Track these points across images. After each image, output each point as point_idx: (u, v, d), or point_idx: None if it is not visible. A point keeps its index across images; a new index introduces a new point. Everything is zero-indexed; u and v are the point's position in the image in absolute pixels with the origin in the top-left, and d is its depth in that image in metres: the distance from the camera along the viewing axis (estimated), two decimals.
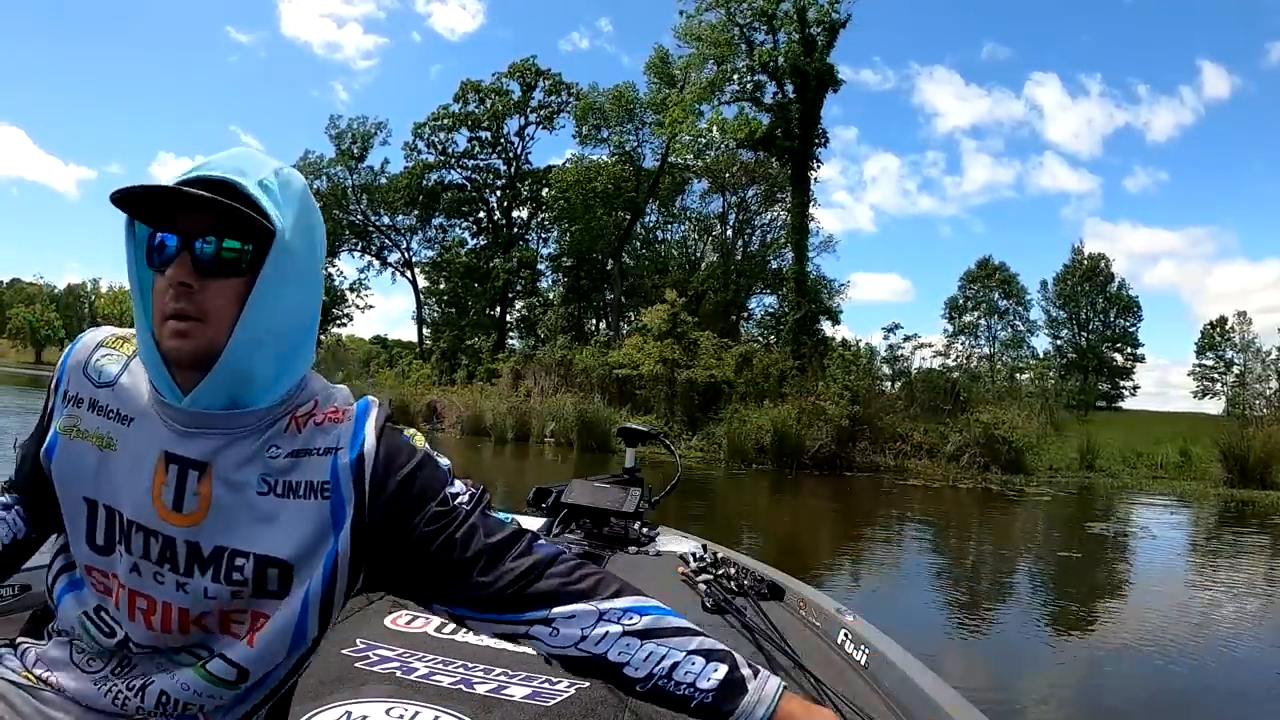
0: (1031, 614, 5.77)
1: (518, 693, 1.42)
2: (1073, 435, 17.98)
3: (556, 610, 0.77)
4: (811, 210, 22.45)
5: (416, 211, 33.39)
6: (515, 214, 33.69)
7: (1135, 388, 51.00)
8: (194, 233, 0.75)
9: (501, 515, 0.83)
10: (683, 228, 34.21)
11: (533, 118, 32.39)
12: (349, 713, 1.29)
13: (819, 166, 22.23)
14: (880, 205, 69.72)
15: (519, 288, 32.59)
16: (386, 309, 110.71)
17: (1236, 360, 48.24)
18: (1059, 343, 50.30)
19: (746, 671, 0.76)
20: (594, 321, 32.66)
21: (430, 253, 34.21)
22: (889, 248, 69.86)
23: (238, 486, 0.78)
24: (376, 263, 35.48)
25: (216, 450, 0.78)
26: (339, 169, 33.94)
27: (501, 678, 1.48)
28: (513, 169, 32.84)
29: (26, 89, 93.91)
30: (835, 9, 20.80)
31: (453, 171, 33.03)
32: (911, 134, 62.72)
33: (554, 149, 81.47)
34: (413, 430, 0.84)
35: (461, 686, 1.43)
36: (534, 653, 0.82)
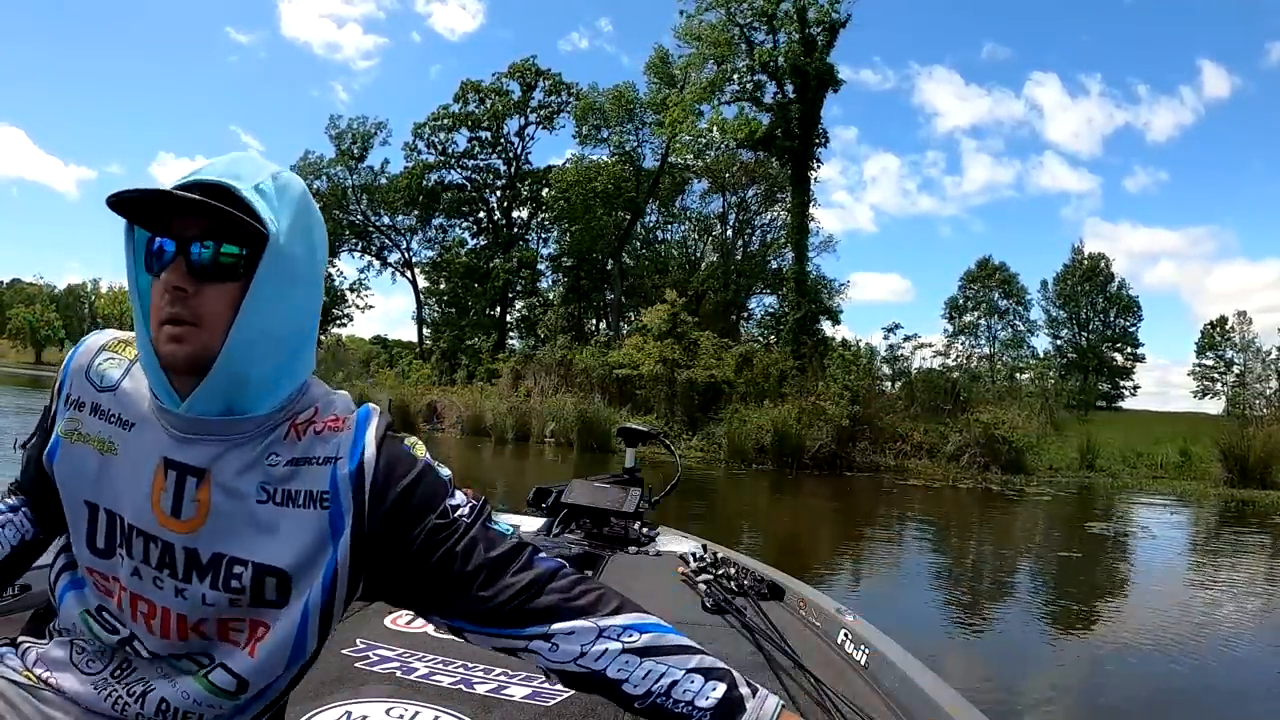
0: (1032, 614, 5.77)
1: (518, 693, 1.42)
2: (1073, 435, 17.98)
3: (556, 626, 0.77)
4: (811, 210, 22.49)
5: (416, 211, 33.36)
6: (515, 214, 33.70)
7: (1135, 388, 51.11)
8: (190, 237, 0.75)
9: (502, 526, 0.83)
10: (683, 228, 34.24)
11: (533, 118, 32.40)
12: (349, 713, 1.29)
13: (819, 166, 22.27)
14: (880, 205, 69.83)
15: (519, 288, 32.58)
16: (386, 309, 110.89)
17: (1236, 360, 48.30)
18: (1059, 343, 50.38)
19: (745, 690, 0.76)
20: (594, 321, 32.66)
21: (430, 253, 34.23)
22: (889, 248, 69.96)
23: (237, 494, 0.77)
24: (376, 263, 35.51)
25: (215, 457, 0.78)
26: (339, 169, 33.92)
27: (501, 678, 1.48)
28: (513, 169, 32.84)
29: (26, 89, 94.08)
30: (835, 9, 20.83)
31: (453, 171, 33.03)
32: (911, 134, 62.80)
33: (554, 149, 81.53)
34: (414, 439, 0.84)
35: (461, 686, 1.43)
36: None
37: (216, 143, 69.64)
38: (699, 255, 33.82)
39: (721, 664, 0.77)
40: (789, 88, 21.51)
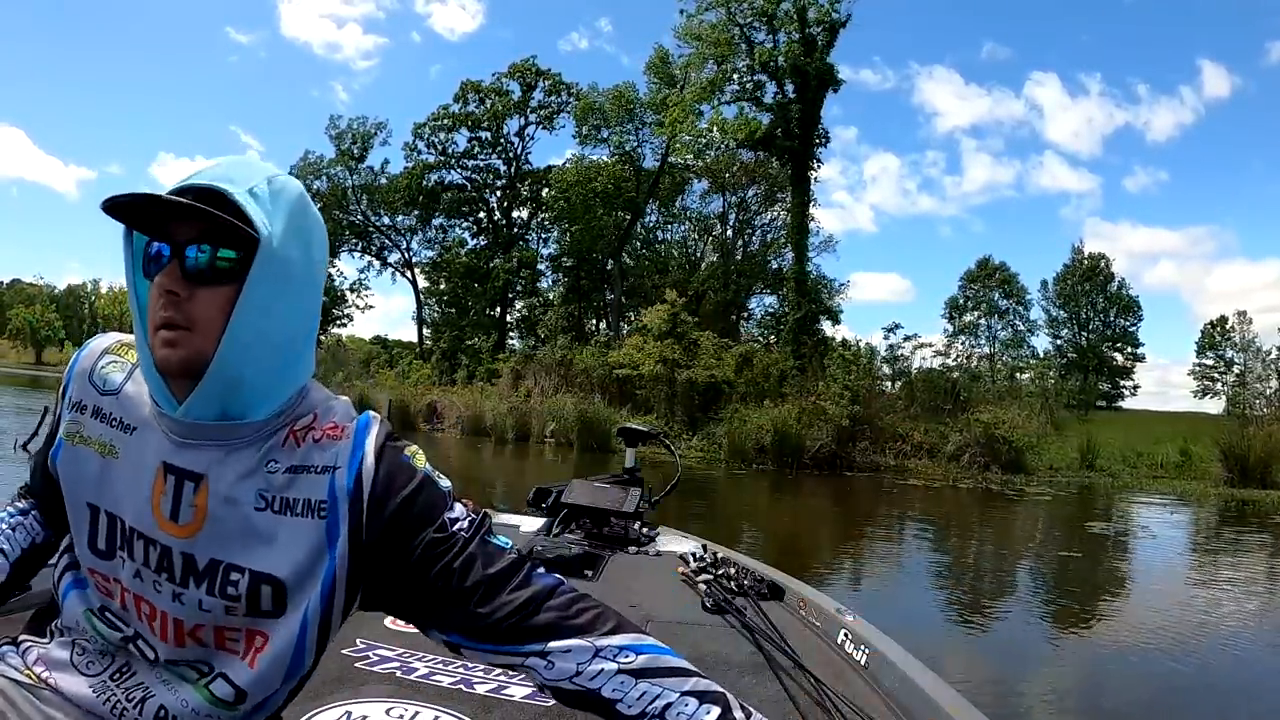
0: (1032, 613, 5.77)
1: (518, 693, 1.43)
2: (1073, 435, 17.98)
3: (553, 644, 0.76)
4: (811, 210, 22.47)
5: (416, 212, 33.34)
6: (515, 214, 33.68)
7: (1135, 387, 51.09)
8: (184, 241, 0.75)
9: (501, 541, 0.82)
10: (683, 228, 34.24)
11: (533, 118, 32.38)
12: (349, 713, 1.29)
13: (819, 166, 22.27)
14: (880, 205, 69.80)
15: (519, 288, 32.57)
16: (386, 309, 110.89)
17: (1236, 360, 48.27)
18: (1059, 342, 50.36)
19: (739, 715, 0.75)
20: (594, 321, 32.65)
21: (430, 253, 34.19)
22: (889, 248, 69.92)
23: (234, 501, 0.77)
24: (376, 263, 35.48)
25: (213, 462, 0.77)
26: (339, 169, 33.90)
27: (501, 678, 1.48)
28: (513, 169, 32.82)
29: (26, 89, 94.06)
30: (835, 9, 20.82)
31: (453, 171, 32.99)
32: (911, 134, 62.79)
33: (554, 149, 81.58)
34: (414, 448, 0.83)
35: (461, 686, 1.43)
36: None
37: (216, 143, 69.67)
38: (699, 255, 33.84)
39: (717, 687, 0.76)
40: (789, 88, 21.51)
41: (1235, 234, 69.55)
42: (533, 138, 32.83)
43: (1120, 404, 48.72)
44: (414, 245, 34.62)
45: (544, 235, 33.67)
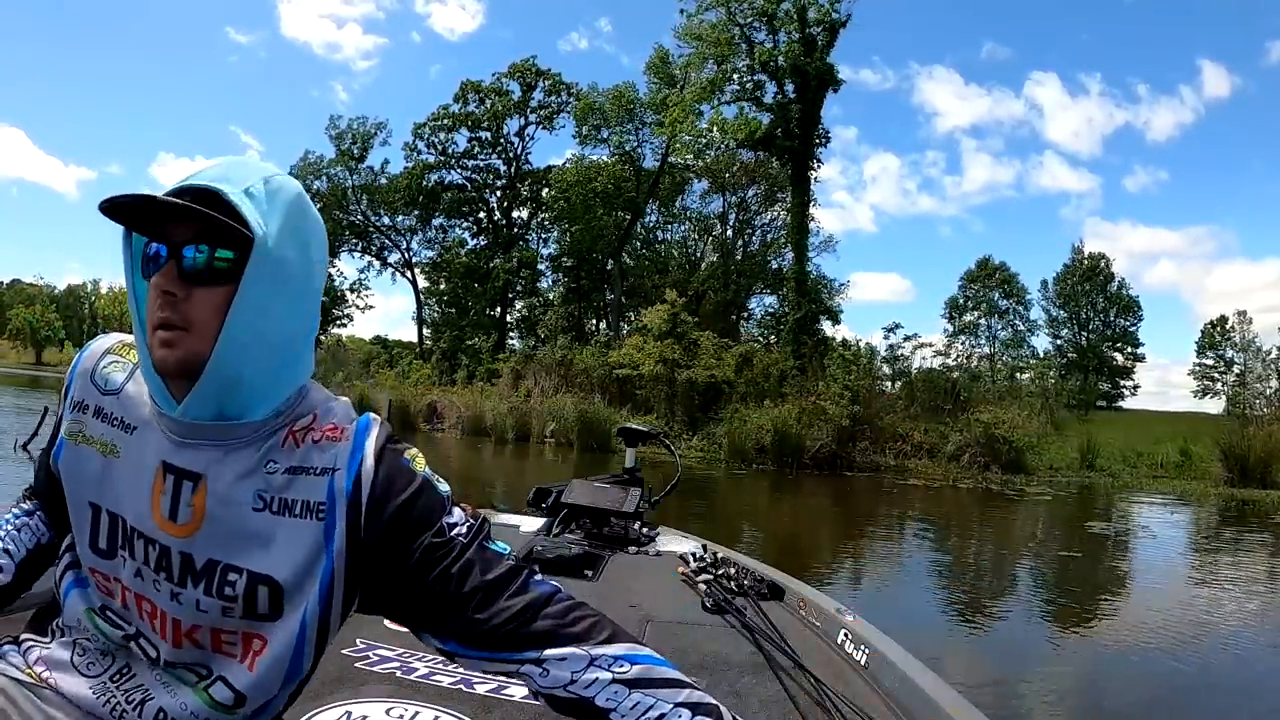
0: (1032, 613, 5.78)
1: (517, 693, 1.42)
2: (1073, 435, 17.98)
3: (549, 652, 0.76)
4: (811, 210, 22.48)
5: (416, 212, 33.34)
6: (515, 214, 33.67)
7: (1135, 387, 51.08)
8: (181, 241, 0.75)
9: (499, 547, 0.82)
10: (683, 228, 34.25)
11: (533, 118, 32.37)
12: (349, 713, 1.29)
13: (819, 166, 22.27)
14: (880, 205, 69.76)
15: (519, 288, 32.56)
16: (386, 309, 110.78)
17: (1237, 360, 48.26)
18: (1059, 342, 50.36)
19: None
20: (594, 321, 32.66)
21: (430, 253, 34.18)
22: (889, 248, 69.86)
23: (232, 501, 0.77)
24: (376, 263, 35.48)
25: (212, 462, 0.78)
26: (339, 169, 33.89)
27: (501, 678, 1.48)
28: (513, 169, 32.82)
29: (26, 89, 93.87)
30: (835, 9, 20.82)
31: (453, 172, 32.98)
32: (911, 134, 62.75)
33: (554, 149, 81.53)
34: (414, 451, 0.83)
35: (461, 686, 1.43)
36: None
37: (216, 143, 69.56)
38: (699, 255, 33.84)
39: (710, 699, 0.76)
40: (789, 88, 21.51)
41: (1235, 234, 69.60)
42: (533, 138, 32.88)
43: (1120, 404, 48.73)
44: (414, 245, 34.67)
45: (544, 235, 33.72)
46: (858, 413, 15.60)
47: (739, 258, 32.35)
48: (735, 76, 22.32)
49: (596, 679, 0.75)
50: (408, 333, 56.71)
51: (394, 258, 35.16)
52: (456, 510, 0.82)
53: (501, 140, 32.39)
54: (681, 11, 22.90)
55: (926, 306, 66.07)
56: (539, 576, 0.81)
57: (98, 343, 0.90)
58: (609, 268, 30.55)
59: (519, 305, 33.31)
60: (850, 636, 1.69)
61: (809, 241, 22.81)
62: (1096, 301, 49.94)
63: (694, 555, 2.25)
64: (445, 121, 32.04)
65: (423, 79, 69.49)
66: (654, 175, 29.13)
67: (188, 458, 0.78)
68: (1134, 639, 4.89)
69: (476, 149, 32.48)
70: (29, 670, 0.83)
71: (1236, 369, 47.76)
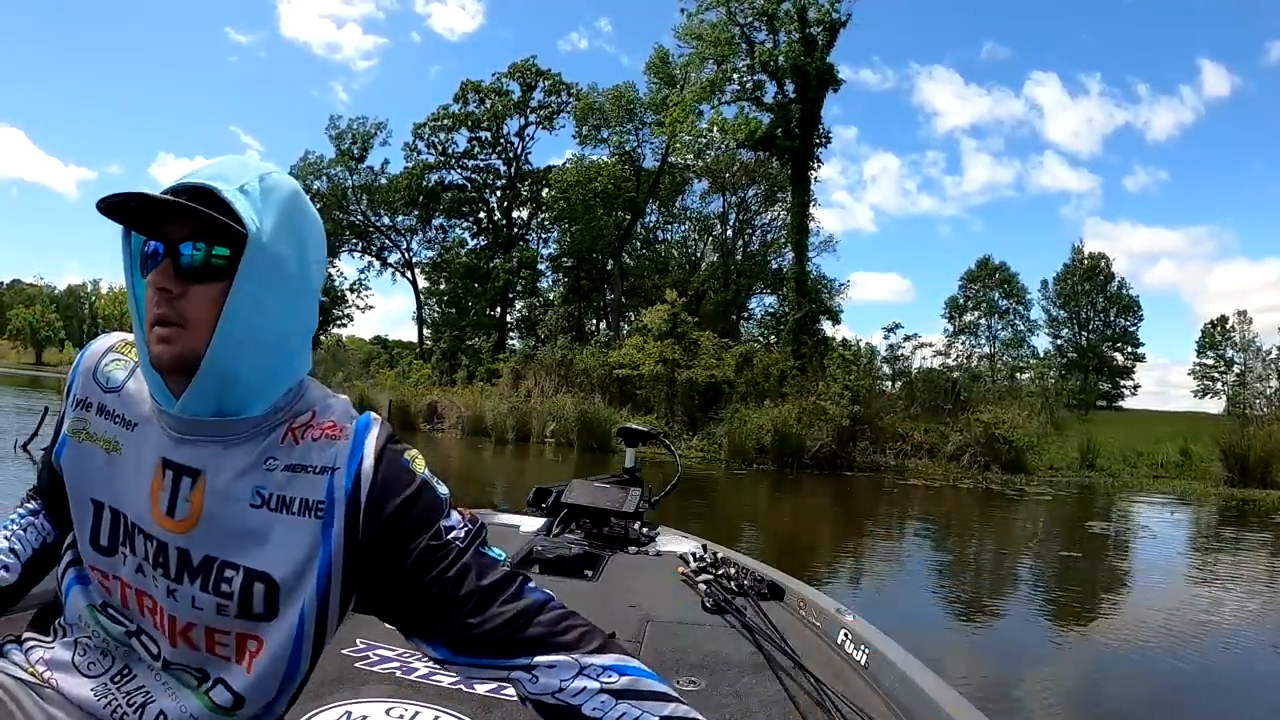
0: (1032, 613, 5.78)
1: None
2: (1073, 435, 17.99)
3: (539, 659, 0.77)
4: (811, 210, 22.44)
5: (417, 212, 33.33)
6: (515, 214, 33.66)
7: (1136, 387, 51.05)
8: (177, 239, 0.75)
9: (495, 553, 0.82)
10: (683, 228, 34.24)
11: (533, 118, 32.36)
12: (349, 713, 1.29)
13: (819, 166, 22.25)
14: (880, 205, 69.69)
15: (519, 288, 32.55)
16: (387, 309, 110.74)
17: (1237, 359, 48.23)
18: (1059, 342, 50.32)
19: None
20: (594, 321, 32.66)
21: (430, 253, 34.17)
22: (889, 248, 69.76)
23: (230, 497, 0.77)
24: (376, 263, 35.48)
25: (210, 459, 0.78)
26: (339, 169, 33.88)
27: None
28: (513, 169, 32.81)
29: (26, 89, 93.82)
30: (835, 9, 20.81)
31: (453, 172, 32.96)
32: (911, 134, 62.70)
33: (554, 149, 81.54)
34: (413, 452, 0.83)
35: (461, 687, 1.43)
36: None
37: (216, 143, 69.55)
38: (699, 255, 33.83)
39: (696, 714, 0.76)
40: (789, 87, 21.50)
41: (1235, 234, 69.51)
42: (533, 138, 32.87)
43: (1120, 404, 48.72)
44: (414, 245, 34.66)
45: (544, 235, 33.71)
46: (858, 413, 15.60)
47: (739, 258, 32.35)
48: (735, 76, 22.33)
49: (585, 688, 0.76)
50: (408, 333, 56.78)
51: (394, 258, 35.21)
52: (454, 514, 0.82)
53: (501, 140, 32.40)
54: (682, 11, 22.94)
55: (926, 306, 66.15)
56: (533, 584, 0.82)
57: (100, 341, 0.90)
58: (609, 268, 30.55)
59: (519, 305, 33.34)
60: (850, 636, 1.69)
61: (809, 241, 22.82)
62: (1096, 301, 49.93)
63: (694, 555, 2.25)
64: (445, 121, 32.04)
65: (423, 79, 69.52)
66: (654, 175, 29.12)
67: (187, 454, 0.78)
68: (1134, 638, 4.89)
69: (476, 149, 32.50)
70: (31, 669, 0.83)
71: (1236, 369, 47.76)
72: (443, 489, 0.83)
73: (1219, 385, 48.50)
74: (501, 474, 13.58)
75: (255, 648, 0.78)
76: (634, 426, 3.31)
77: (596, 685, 0.76)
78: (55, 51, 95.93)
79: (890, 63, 64.64)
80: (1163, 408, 47.02)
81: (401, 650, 1.57)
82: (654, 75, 26.25)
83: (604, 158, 29.57)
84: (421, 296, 34.62)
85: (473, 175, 32.96)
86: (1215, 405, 45.38)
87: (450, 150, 32.61)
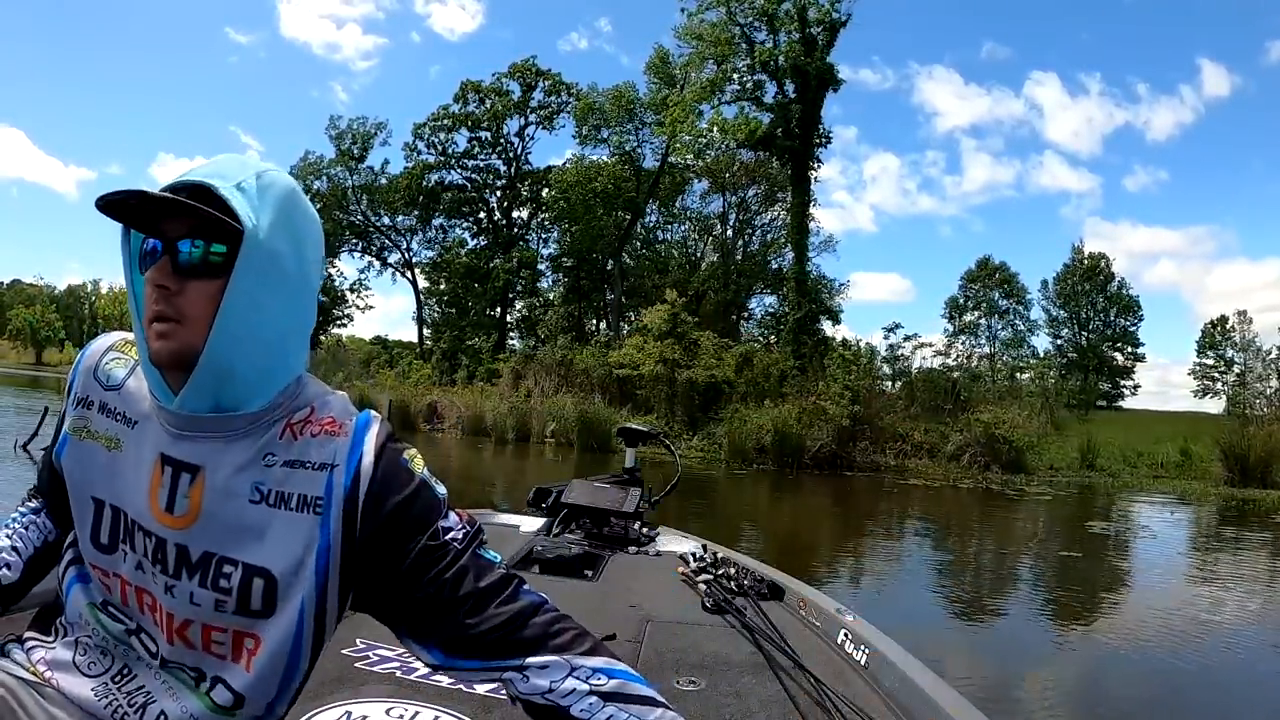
0: (1033, 613, 5.77)
1: None
2: (1073, 435, 18.00)
3: (531, 660, 0.77)
4: (811, 210, 22.46)
5: (417, 212, 33.33)
6: (515, 214, 33.65)
7: (1136, 387, 51.00)
8: (175, 236, 0.76)
9: (491, 555, 0.83)
10: (683, 228, 34.24)
11: (533, 118, 32.35)
12: (349, 713, 1.29)
13: (819, 166, 22.26)
14: (880, 205, 69.58)
15: (519, 288, 32.54)
16: (387, 309, 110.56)
17: (1237, 359, 48.20)
18: (1059, 342, 50.28)
19: None
20: (594, 322, 32.66)
21: (430, 253, 34.15)
22: (889, 247, 69.62)
23: (229, 493, 0.78)
24: (376, 263, 35.46)
25: (209, 454, 0.78)
26: (339, 169, 33.87)
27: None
28: (513, 169, 32.81)
29: (26, 89, 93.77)
30: (835, 9, 20.82)
31: (453, 172, 32.95)
32: (911, 133, 62.57)
33: (554, 149, 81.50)
34: (412, 451, 0.83)
35: (461, 687, 1.43)
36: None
37: (216, 143, 69.59)
38: (699, 255, 33.83)
39: (682, 719, 0.77)
40: (789, 87, 21.51)
41: (1235, 233, 69.40)
42: (533, 138, 32.86)
43: (1120, 404, 48.68)
44: (414, 245, 34.65)
45: (544, 235, 33.70)
46: (858, 413, 15.60)
47: (739, 258, 32.35)
48: (735, 76, 22.34)
49: (574, 689, 0.76)
50: (408, 333, 56.73)
51: (394, 258, 35.20)
52: (452, 515, 0.82)
53: (501, 140, 32.39)
54: (682, 10, 22.94)
55: (926, 306, 66.07)
56: (528, 586, 0.83)
57: (101, 340, 0.91)
58: (609, 268, 30.55)
59: (519, 305, 33.32)
60: (850, 636, 1.69)
61: (809, 241, 22.83)
62: (1096, 301, 49.90)
63: (694, 555, 2.25)
64: (445, 121, 32.04)
65: (423, 79, 69.45)
66: (654, 175, 29.12)
67: (185, 449, 0.79)
68: (1134, 638, 4.89)
69: (476, 149, 32.49)
70: (32, 669, 0.83)
71: (1237, 369, 47.75)
72: (441, 489, 0.83)
73: (1219, 385, 48.51)
74: (501, 474, 13.58)
75: (252, 646, 0.78)
76: (634, 426, 3.31)
77: (586, 687, 0.77)
78: (55, 51, 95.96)
79: (890, 63, 64.60)
80: (1163, 408, 47.04)
81: (401, 650, 1.55)
82: (654, 75, 26.27)
83: (604, 158, 29.62)
84: (421, 296, 34.64)
85: (473, 175, 32.97)
86: (1215, 405, 45.39)
87: (450, 150, 32.62)
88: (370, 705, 1.32)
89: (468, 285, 31.80)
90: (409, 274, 34.71)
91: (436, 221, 33.73)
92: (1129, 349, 50.28)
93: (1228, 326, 49.05)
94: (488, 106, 31.73)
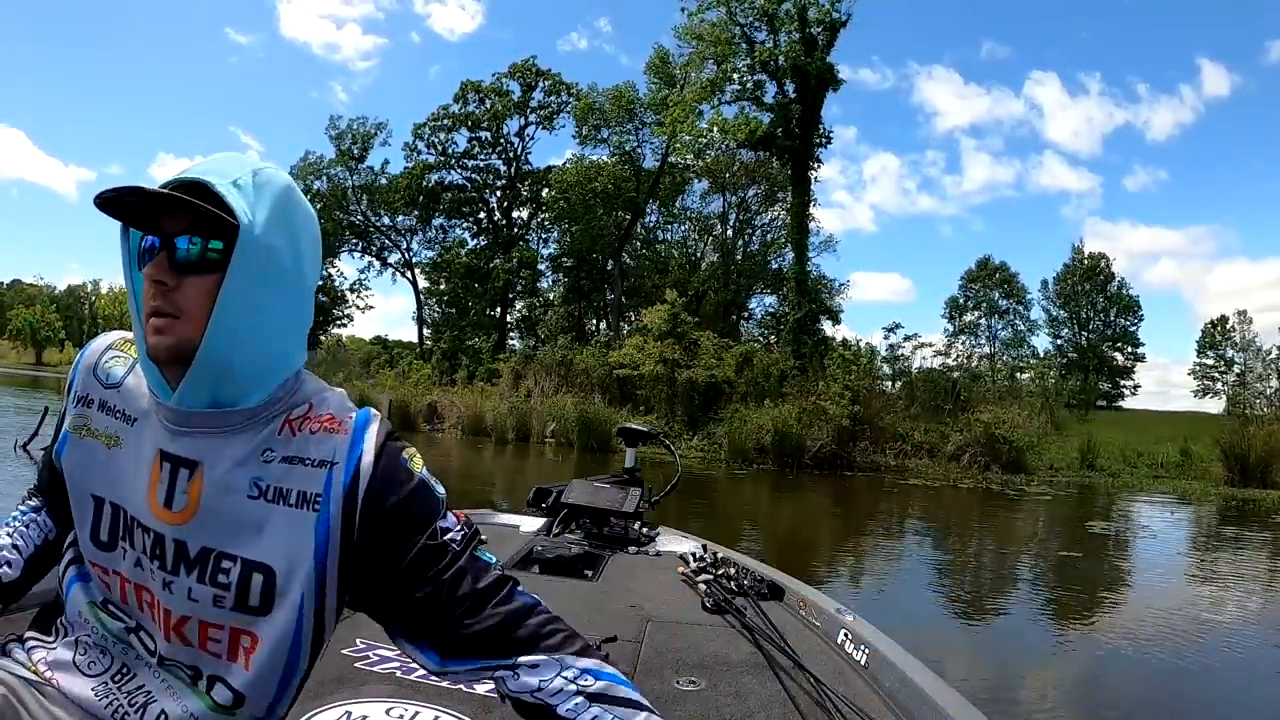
0: (1032, 613, 5.77)
1: None
2: (1073, 435, 18.01)
3: (523, 659, 0.79)
4: (811, 210, 22.49)
5: (417, 212, 33.34)
6: (515, 214, 33.66)
7: (1136, 387, 50.98)
8: (173, 233, 0.77)
9: (487, 556, 0.83)
10: (683, 228, 34.26)
11: (533, 118, 32.37)
12: (349, 713, 1.29)
13: (819, 166, 22.27)
14: (880, 205, 69.57)
15: (519, 288, 32.55)
16: (387, 309, 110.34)
17: (1237, 359, 48.18)
18: (1059, 342, 50.27)
19: None
20: (594, 322, 32.66)
21: (430, 253, 34.17)
22: (889, 247, 69.58)
23: (228, 488, 0.78)
24: (377, 263, 35.48)
25: (208, 450, 0.78)
26: (339, 169, 33.88)
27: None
28: (513, 169, 32.82)
29: (26, 89, 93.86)
30: (835, 9, 20.84)
31: (453, 172, 32.98)
32: (911, 133, 62.58)
33: (554, 149, 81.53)
34: (412, 450, 0.83)
35: (461, 686, 1.43)
36: None
37: (216, 143, 69.65)
38: (699, 255, 33.84)
39: None
40: (789, 87, 21.52)
41: (1236, 233, 69.40)
42: (533, 138, 32.88)
43: (1120, 404, 48.65)
44: (414, 245, 34.67)
45: (544, 235, 33.72)
46: (858, 413, 15.61)
47: (739, 258, 32.36)
48: (735, 76, 22.36)
49: (562, 689, 0.78)
50: (408, 333, 56.74)
51: (394, 258, 35.21)
52: (450, 515, 0.83)
53: (501, 140, 32.40)
54: (682, 10, 22.95)
55: (927, 306, 66.06)
56: (522, 587, 0.83)
57: (100, 339, 0.91)
58: (609, 268, 30.56)
59: (519, 305, 33.33)
60: (850, 636, 1.69)
61: (809, 241, 22.85)
62: (1096, 301, 49.88)
63: (694, 555, 2.25)
64: (445, 121, 32.05)
65: (422, 79, 69.45)
66: (654, 175, 29.13)
67: (184, 445, 0.79)
68: (1135, 638, 4.89)
69: (476, 149, 32.51)
70: (33, 668, 0.83)
71: (1237, 369, 47.73)
72: (440, 490, 0.83)
73: (1219, 385, 48.48)
74: (501, 474, 13.58)
75: (249, 644, 0.78)
76: (634, 426, 3.30)
77: (573, 687, 0.78)
78: (55, 51, 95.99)
79: (890, 62, 64.64)
80: (1163, 408, 47.01)
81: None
82: (654, 75, 26.29)
83: (604, 158, 29.64)
84: (421, 296, 34.65)
85: (473, 175, 32.99)
86: (1215, 405, 45.34)
87: (450, 150, 32.63)
88: (370, 705, 1.32)
89: (468, 285, 31.80)
90: (409, 274, 34.74)
91: (436, 221, 33.77)
92: (1129, 349, 50.28)
93: (1228, 326, 49.06)
94: (488, 106, 31.74)
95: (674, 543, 2.63)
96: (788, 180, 23.80)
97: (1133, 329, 50.01)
